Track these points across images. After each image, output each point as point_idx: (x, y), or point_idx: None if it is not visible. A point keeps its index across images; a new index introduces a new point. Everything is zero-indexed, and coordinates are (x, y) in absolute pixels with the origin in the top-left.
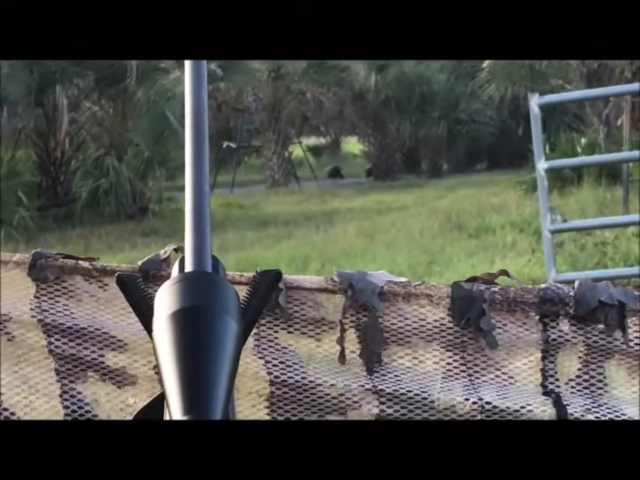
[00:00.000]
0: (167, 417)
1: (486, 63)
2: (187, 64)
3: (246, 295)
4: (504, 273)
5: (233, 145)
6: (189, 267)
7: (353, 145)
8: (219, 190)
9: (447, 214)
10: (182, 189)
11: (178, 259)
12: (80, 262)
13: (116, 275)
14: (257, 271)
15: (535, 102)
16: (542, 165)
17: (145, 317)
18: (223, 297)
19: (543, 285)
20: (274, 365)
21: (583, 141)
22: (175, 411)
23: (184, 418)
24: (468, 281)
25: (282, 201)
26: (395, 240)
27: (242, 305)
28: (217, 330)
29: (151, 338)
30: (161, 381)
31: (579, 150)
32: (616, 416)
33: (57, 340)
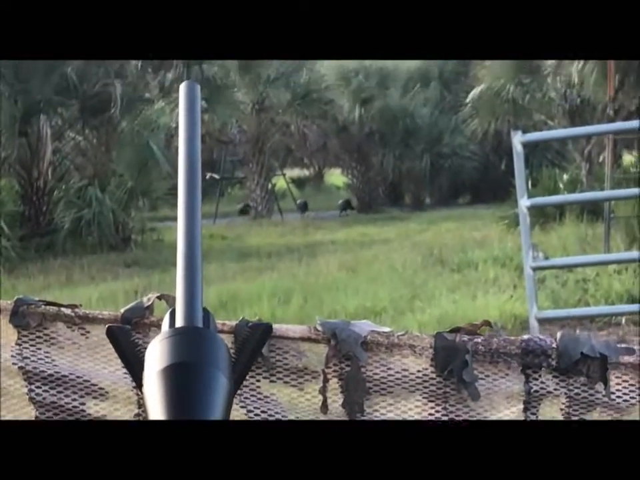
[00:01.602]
0: None
1: (469, 97)
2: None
3: (236, 349)
4: (487, 323)
5: (217, 176)
6: (179, 321)
7: (336, 177)
8: (201, 221)
9: (430, 248)
10: (164, 219)
11: (168, 312)
12: (62, 309)
13: (106, 326)
14: (241, 320)
15: (517, 139)
16: (524, 202)
17: (135, 370)
18: (213, 352)
19: (525, 337)
20: (256, 415)
21: (565, 177)
22: None
23: None
24: (451, 331)
25: (265, 232)
26: (378, 273)
27: (232, 359)
28: (208, 386)
29: (141, 392)
30: None
31: (561, 186)
32: None
33: (37, 387)
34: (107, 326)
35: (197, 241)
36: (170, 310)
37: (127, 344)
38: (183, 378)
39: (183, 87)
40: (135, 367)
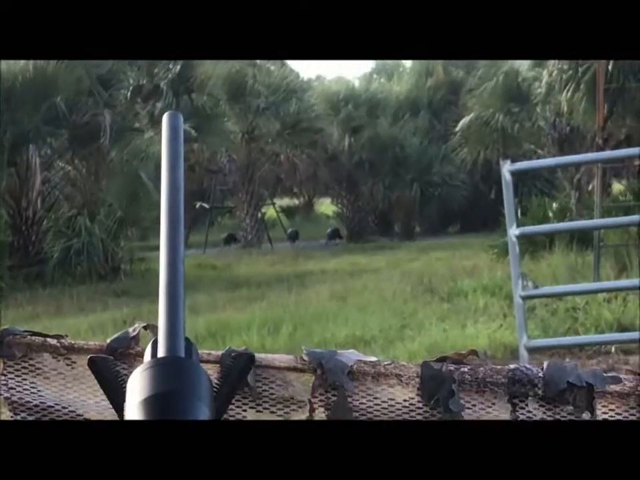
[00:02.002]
0: None
1: (458, 126)
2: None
3: (219, 379)
4: (473, 352)
5: (206, 206)
6: (161, 352)
7: (326, 206)
8: (191, 250)
9: (420, 277)
10: (153, 248)
11: (151, 342)
12: (48, 339)
13: (88, 357)
14: (227, 349)
15: (506, 169)
16: (513, 231)
17: (117, 400)
18: (195, 383)
19: (512, 366)
20: None
21: (555, 205)
22: None
23: None
24: (437, 360)
25: (254, 261)
26: (368, 303)
27: (215, 389)
28: (189, 416)
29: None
30: None
31: (551, 214)
32: None
33: (23, 418)
34: (89, 356)
35: (179, 270)
36: (152, 340)
37: (109, 374)
38: (164, 408)
39: (165, 117)
40: (117, 397)
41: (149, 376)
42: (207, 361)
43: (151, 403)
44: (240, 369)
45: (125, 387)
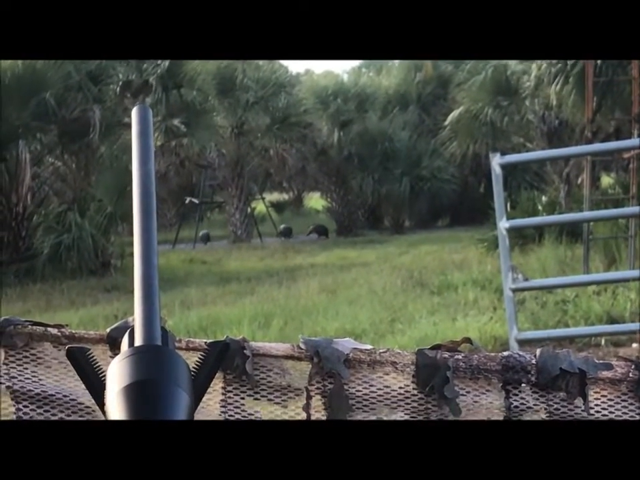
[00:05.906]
0: None
1: (448, 120)
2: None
3: (196, 366)
4: (467, 340)
5: (196, 201)
6: (138, 341)
7: (315, 200)
8: (181, 245)
9: (409, 270)
10: None
11: (127, 332)
12: (49, 329)
13: (66, 348)
14: (205, 342)
15: (496, 161)
16: (503, 224)
17: (97, 391)
18: (173, 370)
19: (505, 353)
20: None
21: (544, 199)
22: None
23: None
24: (432, 348)
25: (244, 256)
26: (358, 296)
27: (192, 376)
28: (169, 402)
29: (103, 412)
30: None
31: (540, 208)
32: None
33: (25, 407)
34: (66, 347)
35: (153, 262)
36: (129, 330)
37: (87, 365)
38: (143, 396)
39: (135, 111)
40: (96, 388)
41: (127, 364)
42: (195, 349)
43: (130, 390)
44: (215, 357)
45: (104, 377)
